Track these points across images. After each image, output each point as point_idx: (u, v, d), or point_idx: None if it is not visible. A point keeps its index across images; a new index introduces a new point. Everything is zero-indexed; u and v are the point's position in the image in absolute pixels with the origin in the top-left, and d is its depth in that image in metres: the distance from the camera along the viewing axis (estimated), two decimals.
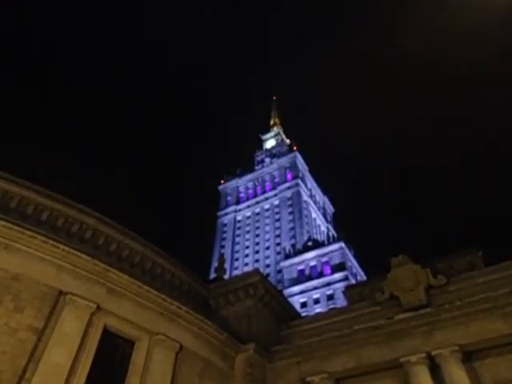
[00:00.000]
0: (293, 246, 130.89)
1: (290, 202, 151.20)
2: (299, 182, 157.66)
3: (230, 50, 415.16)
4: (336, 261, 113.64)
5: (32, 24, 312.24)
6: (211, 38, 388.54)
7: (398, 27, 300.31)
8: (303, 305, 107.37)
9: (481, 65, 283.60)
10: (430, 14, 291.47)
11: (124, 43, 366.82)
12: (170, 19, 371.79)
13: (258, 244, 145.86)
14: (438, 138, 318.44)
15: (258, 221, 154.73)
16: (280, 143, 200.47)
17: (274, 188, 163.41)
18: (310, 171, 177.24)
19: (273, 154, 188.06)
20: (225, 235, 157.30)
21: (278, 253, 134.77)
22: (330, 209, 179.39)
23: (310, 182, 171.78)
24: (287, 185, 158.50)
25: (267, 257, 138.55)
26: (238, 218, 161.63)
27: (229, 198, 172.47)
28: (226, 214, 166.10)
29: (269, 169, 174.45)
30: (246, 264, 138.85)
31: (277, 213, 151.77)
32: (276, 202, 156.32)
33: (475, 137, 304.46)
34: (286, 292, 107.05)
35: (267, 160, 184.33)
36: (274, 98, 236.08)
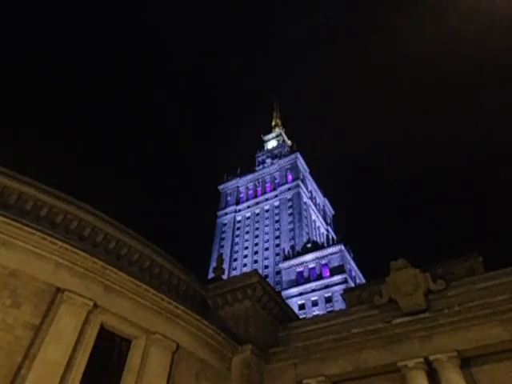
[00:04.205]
0: (292, 247, 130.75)
1: (290, 204, 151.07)
2: (300, 183, 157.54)
3: (232, 51, 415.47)
4: (335, 263, 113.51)
5: (34, 21, 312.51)
6: (214, 38, 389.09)
7: (398, 28, 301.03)
8: (301, 307, 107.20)
9: (481, 65, 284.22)
10: (431, 14, 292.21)
11: (126, 39, 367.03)
12: (173, 20, 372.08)
13: (257, 245, 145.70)
14: (438, 140, 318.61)
15: (257, 221, 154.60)
16: (281, 144, 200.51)
17: (274, 189, 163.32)
18: (311, 173, 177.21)
19: (274, 155, 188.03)
20: (224, 235, 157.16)
21: (277, 254, 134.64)
22: (330, 211, 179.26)
23: (311, 184, 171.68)
24: (288, 186, 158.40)
25: (266, 258, 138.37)
26: (238, 218, 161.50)
27: (229, 198, 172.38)
28: (226, 214, 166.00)
29: (269, 169, 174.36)
30: (245, 265, 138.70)
31: (277, 214, 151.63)
32: (276, 203, 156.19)
33: (476, 138, 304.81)
34: (285, 294, 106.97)
35: (268, 161, 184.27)
36: (276, 99, 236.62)
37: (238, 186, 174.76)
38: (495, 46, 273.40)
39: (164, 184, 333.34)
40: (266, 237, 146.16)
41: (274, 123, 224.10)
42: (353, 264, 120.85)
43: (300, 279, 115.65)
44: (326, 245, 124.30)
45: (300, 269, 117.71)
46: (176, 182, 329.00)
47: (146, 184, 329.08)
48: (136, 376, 21.54)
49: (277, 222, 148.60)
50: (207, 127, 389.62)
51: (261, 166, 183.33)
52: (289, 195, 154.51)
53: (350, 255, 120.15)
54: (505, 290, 23.46)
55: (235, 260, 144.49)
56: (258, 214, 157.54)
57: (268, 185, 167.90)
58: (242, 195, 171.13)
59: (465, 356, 22.67)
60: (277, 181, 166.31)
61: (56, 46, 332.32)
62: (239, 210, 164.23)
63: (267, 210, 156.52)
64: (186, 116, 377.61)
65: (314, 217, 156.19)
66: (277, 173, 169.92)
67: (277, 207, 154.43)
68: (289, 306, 35.37)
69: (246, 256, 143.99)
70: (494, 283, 24.70)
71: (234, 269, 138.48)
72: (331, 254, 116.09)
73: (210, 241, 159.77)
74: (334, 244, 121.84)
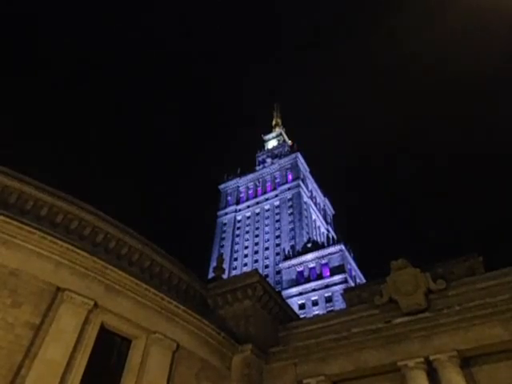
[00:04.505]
0: (292, 247, 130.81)
1: (290, 203, 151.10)
2: (300, 183, 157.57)
3: (233, 51, 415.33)
4: (335, 263, 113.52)
5: (35, 20, 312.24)
6: (214, 38, 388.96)
7: (398, 28, 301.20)
8: (301, 306, 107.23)
9: (481, 64, 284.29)
10: (431, 14, 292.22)
11: (126, 39, 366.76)
12: (173, 19, 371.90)
13: (257, 244, 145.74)
14: (438, 139, 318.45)
15: (257, 221, 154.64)
16: (282, 144, 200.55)
17: (274, 189, 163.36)
18: (311, 172, 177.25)
19: (274, 155, 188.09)
20: (224, 235, 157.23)
21: (278, 254, 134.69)
22: (331, 210, 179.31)
23: (311, 184, 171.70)
24: (288, 186, 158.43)
25: (266, 257, 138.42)
26: (238, 217, 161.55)
27: (229, 197, 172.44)
28: (226, 213, 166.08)
29: (270, 169, 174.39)
30: (245, 264, 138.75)
31: (277, 213, 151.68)
32: (276, 203, 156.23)
33: (476, 138, 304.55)
34: (285, 293, 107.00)
35: (268, 160, 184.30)
36: (277, 98, 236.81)
37: (238, 186, 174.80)
38: (496, 45, 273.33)
39: (164, 184, 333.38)
40: (267, 236, 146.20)
41: (274, 123, 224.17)
42: (353, 264, 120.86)
43: (300, 279, 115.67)
44: (326, 244, 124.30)
45: (300, 268, 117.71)
46: (176, 181, 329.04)
47: (146, 183, 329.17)
48: (136, 376, 21.52)
49: (277, 221, 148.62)
50: (207, 127, 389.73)
51: (261, 166, 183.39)
52: (289, 195, 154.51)
53: (350, 255, 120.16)
54: (505, 290, 23.45)
55: (235, 260, 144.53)
56: (258, 214, 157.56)
57: (268, 184, 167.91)
58: (242, 195, 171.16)
59: (465, 356, 22.66)
60: (277, 180, 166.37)
61: (56, 46, 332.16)
62: (239, 210, 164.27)
63: (267, 210, 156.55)
64: (186, 116, 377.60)
65: (314, 216, 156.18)
66: (277, 172, 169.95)
67: (277, 207, 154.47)
68: (289, 306, 35.36)
69: (246, 256, 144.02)
70: (494, 283, 24.69)
71: (235, 268, 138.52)
72: (331, 254, 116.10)
73: (211, 240, 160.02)
74: (334, 244, 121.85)
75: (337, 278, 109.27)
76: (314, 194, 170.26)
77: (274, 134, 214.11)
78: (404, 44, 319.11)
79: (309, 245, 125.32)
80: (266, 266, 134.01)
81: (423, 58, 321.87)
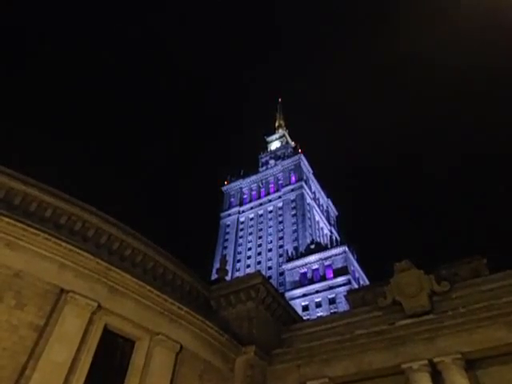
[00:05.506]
0: (295, 248, 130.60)
1: (293, 205, 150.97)
2: (303, 184, 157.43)
3: (235, 52, 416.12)
4: (339, 265, 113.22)
5: (36, 20, 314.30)
6: (216, 40, 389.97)
7: (398, 28, 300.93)
8: (305, 308, 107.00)
9: (481, 65, 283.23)
10: (431, 14, 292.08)
11: (128, 39, 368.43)
12: (174, 20, 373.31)
13: (260, 246, 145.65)
14: (439, 140, 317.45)
15: (261, 223, 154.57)
16: (285, 145, 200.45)
17: (277, 190, 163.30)
18: (315, 174, 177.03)
19: (277, 156, 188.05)
20: (227, 236, 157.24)
21: (281, 255, 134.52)
22: (334, 212, 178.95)
23: (314, 185, 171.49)
24: (291, 187, 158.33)
25: (269, 259, 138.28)
26: (241, 219, 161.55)
27: (232, 199, 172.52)
28: (229, 215, 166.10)
29: (273, 171, 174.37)
30: (248, 266, 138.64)
31: (280, 215, 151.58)
32: (279, 204, 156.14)
33: (477, 138, 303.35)
34: (288, 295, 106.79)
35: (271, 162, 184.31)
36: (280, 99, 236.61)
37: (241, 187, 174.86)
38: (496, 46, 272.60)
39: (167, 185, 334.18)
40: (270, 238, 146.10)
41: (277, 124, 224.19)
42: (356, 265, 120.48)
43: (303, 280, 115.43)
44: (329, 246, 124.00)
45: (303, 270, 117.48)
46: (179, 183, 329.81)
47: (149, 185, 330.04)
48: (139, 377, 21.57)
49: (280, 223, 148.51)
50: (210, 128, 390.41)
51: (264, 167, 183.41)
52: (292, 196, 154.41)
53: (353, 256, 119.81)
54: (509, 292, 23.31)
55: (238, 261, 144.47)
56: (261, 215, 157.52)
57: (271, 186, 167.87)
58: (245, 196, 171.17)
59: (469, 358, 22.53)
60: (280, 182, 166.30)
61: (57, 45, 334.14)
62: (242, 211, 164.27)
63: (270, 211, 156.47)
64: (189, 117, 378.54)
65: (317, 218, 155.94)
66: (280, 174, 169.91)
67: (280, 208, 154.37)
68: (292, 308, 35.30)
69: (249, 257, 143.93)
70: (498, 285, 24.57)
71: (238, 270, 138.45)
72: (335, 255, 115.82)
73: (214, 242, 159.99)
74: (337, 245, 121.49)
75: (340, 279, 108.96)
76: (318, 195, 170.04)
77: (277, 136, 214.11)
78: (404, 44, 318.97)
79: (312, 246, 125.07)
80: (269, 268, 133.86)
81: (423, 58, 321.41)
